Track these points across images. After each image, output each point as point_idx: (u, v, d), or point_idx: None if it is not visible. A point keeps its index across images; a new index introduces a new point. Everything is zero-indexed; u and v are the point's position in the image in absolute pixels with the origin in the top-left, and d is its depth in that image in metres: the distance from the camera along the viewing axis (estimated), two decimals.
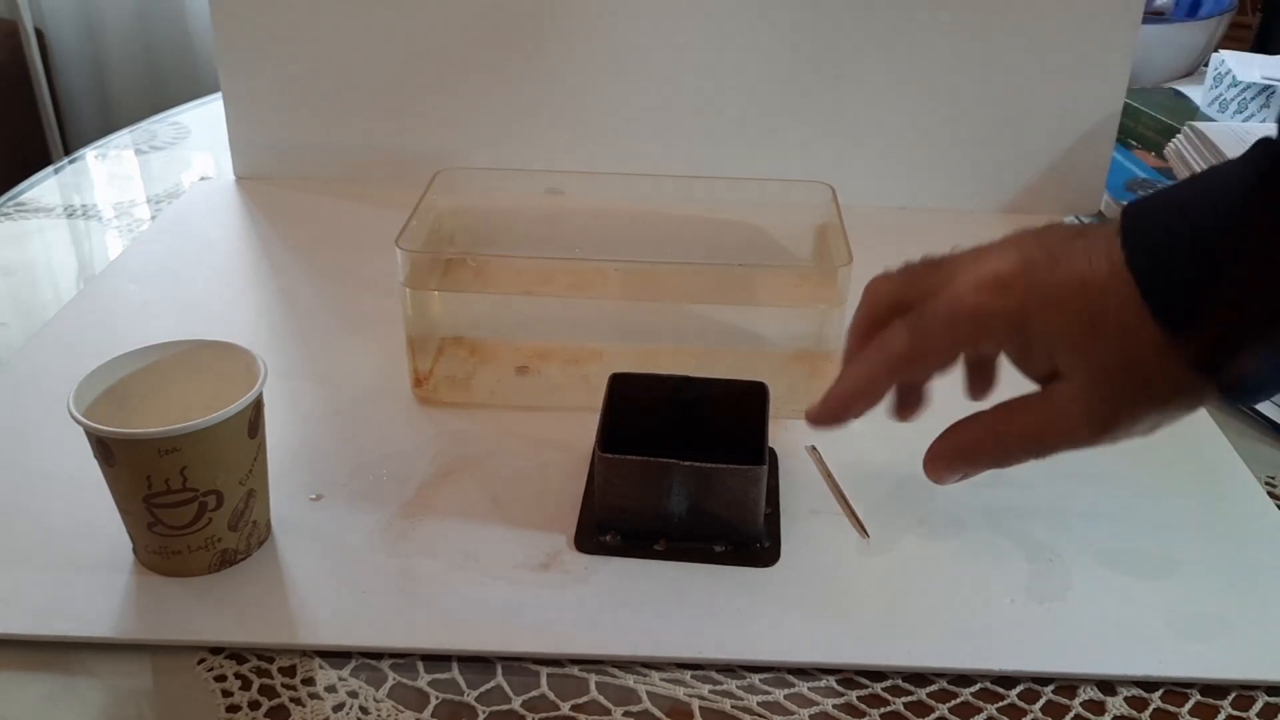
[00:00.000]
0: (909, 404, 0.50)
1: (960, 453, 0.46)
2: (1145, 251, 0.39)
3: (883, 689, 0.44)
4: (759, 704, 0.44)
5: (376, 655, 0.45)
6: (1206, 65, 1.14)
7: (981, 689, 0.45)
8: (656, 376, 0.55)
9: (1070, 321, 0.40)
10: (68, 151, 1.58)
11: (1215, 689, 0.45)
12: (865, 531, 0.52)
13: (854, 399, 0.47)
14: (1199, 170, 0.44)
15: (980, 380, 0.49)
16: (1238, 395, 0.40)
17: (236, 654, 0.45)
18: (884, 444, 0.58)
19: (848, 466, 0.57)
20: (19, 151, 1.93)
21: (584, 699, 0.44)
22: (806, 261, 0.70)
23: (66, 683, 0.44)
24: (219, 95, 0.93)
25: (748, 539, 0.51)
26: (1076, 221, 0.44)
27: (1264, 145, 0.39)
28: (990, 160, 0.87)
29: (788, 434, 0.58)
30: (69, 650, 0.45)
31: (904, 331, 0.45)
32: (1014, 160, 0.87)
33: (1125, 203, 0.42)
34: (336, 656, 0.45)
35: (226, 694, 0.43)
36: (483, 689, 0.44)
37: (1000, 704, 0.44)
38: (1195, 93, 1.12)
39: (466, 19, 0.85)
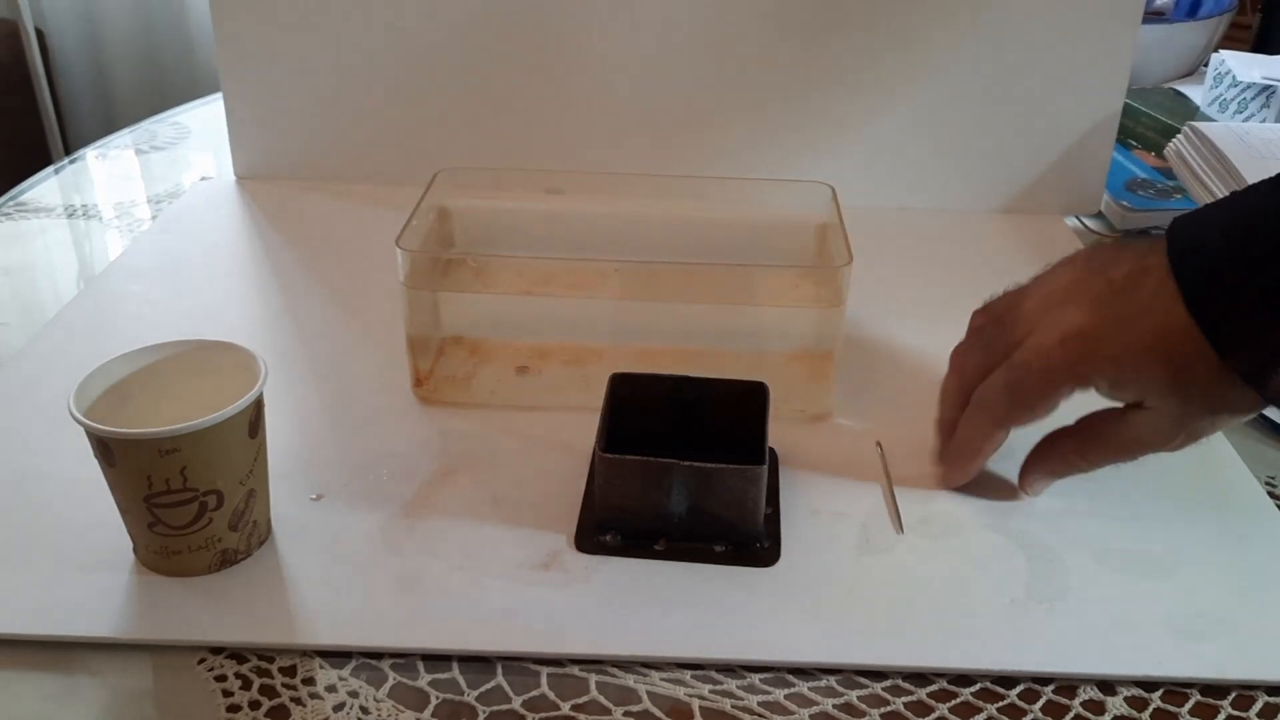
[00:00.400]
0: None
1: (1053, 470, 0.53)
2: (1196, 285, 0.44)
3: (883, 689, 0.44)
4: (759, 704, 0.44)
5: (377, 655, 0.45)
6: (1206, 65, 1.14)
7: (981, 689, 0.45)
8: (656, 376, 0.55)
9: (1158, 367, 0.46)
10: (68, 151, 1.58)
11: (1215, 689, 0.45)
12: (901, 527, 0.53)
13: (972, 458, 0.53)
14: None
15: None
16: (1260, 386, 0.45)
17: (237, 654, 0.45)
18: (883, 444, 0.58)
19: (848, 467, 0.57)
20: (19, 151, 1.93)
21: (584, 699, 0.44)
22: (807, 261, 0.70)
23: (67, 683, 0.44)
24: (219, 95, 0.93)
25: (748, 539, 0.51)
26: (1114, 238, 0.49)
27: None
28: (990, 160, 0.87)
29: (788, 434, 0.58)
30: (69, 650, 0.45)
31: (1003, 393, 0.49)
32: (1014, 160, 0.87)
33: (1170, 222, 0.46)
34: (337, 656, 0.45)
35: (227, 694, 0.43)
36: (483, 689, 0.44)
37: (1000, 704, 0.44)
38: (1195, 93, 1.12)
39: (467, 19, 0.85)
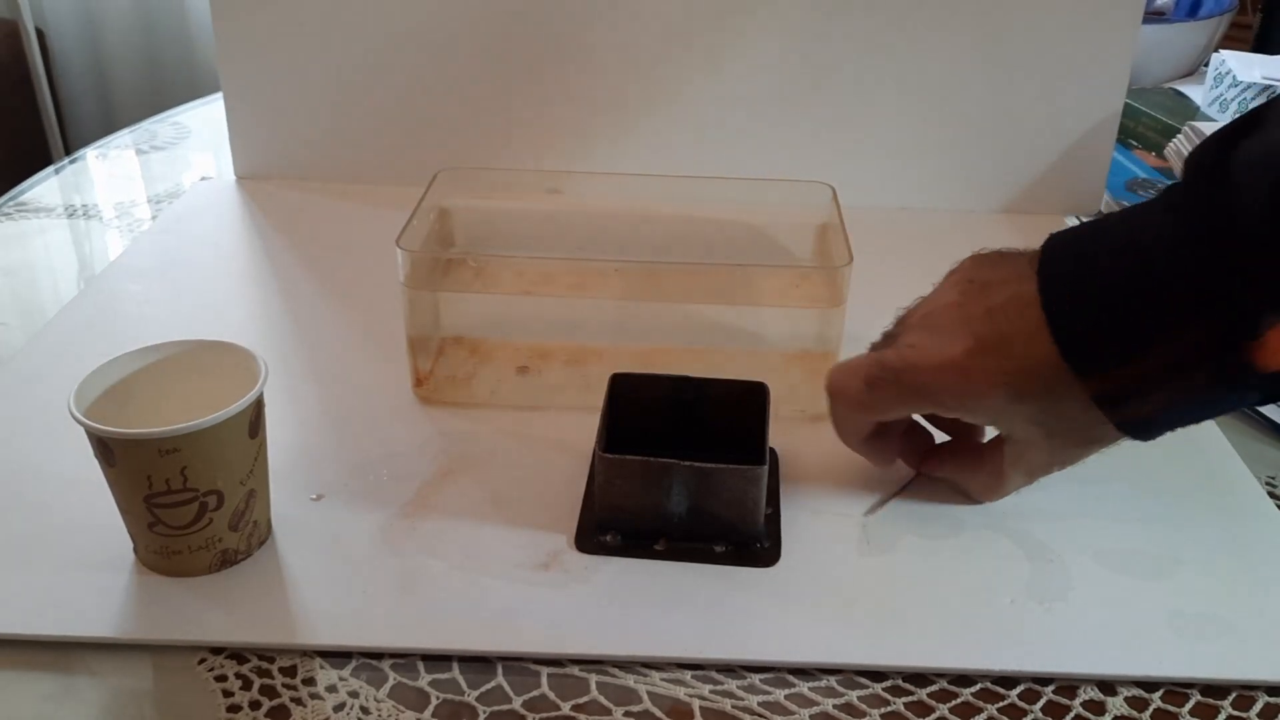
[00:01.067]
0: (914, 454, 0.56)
1: (990, 494, 0.54)
2: (1061, 315, 0.43)
3: (883, 689, 0.44)
4: (759, 704, 0.44)
5: (377, 655, 0.45)
6: (1207, 65, 1.14)
7: (982, 689, 0.45)
8: (656, 376, 0.55)
9: (1027, 404, 0.46)
10: (68, 151, 1.58)
11: (1216, 689, 0.45)
12: (874, 512, 0.54)
13: (852, 447, 0.54)
14: None
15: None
16: (1134, 432, 0.46)
17: (237, 654, 0.45)
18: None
19: (848, 467, 0.57)
20: (19, 151, 1.93)
21: (584, 699, 0.44)
22: (807, 261, 0.70)
23: (66, 683, 0.44)
24: (219, 95, 0.93)
25: (748, 539, 0.51)
26: (998, 251, 0.49)
27: (1169, 197, 0.43)
28: (990, 160, 0.87)
29: (788, 434, 0.58)
30: (69, 650, 0.45)
31: (863, 387, 0.50)
32: (1014, 160, 0.87)
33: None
34: (337, 656, 0.45)
35: (227, 694, 0.43)
36: (483, 689, 0.44)
37: (1000, 704, 0.44)
38: (1195, 93, 1.12)
39: (467, 19, 0.85)
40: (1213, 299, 0.41)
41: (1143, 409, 0.44)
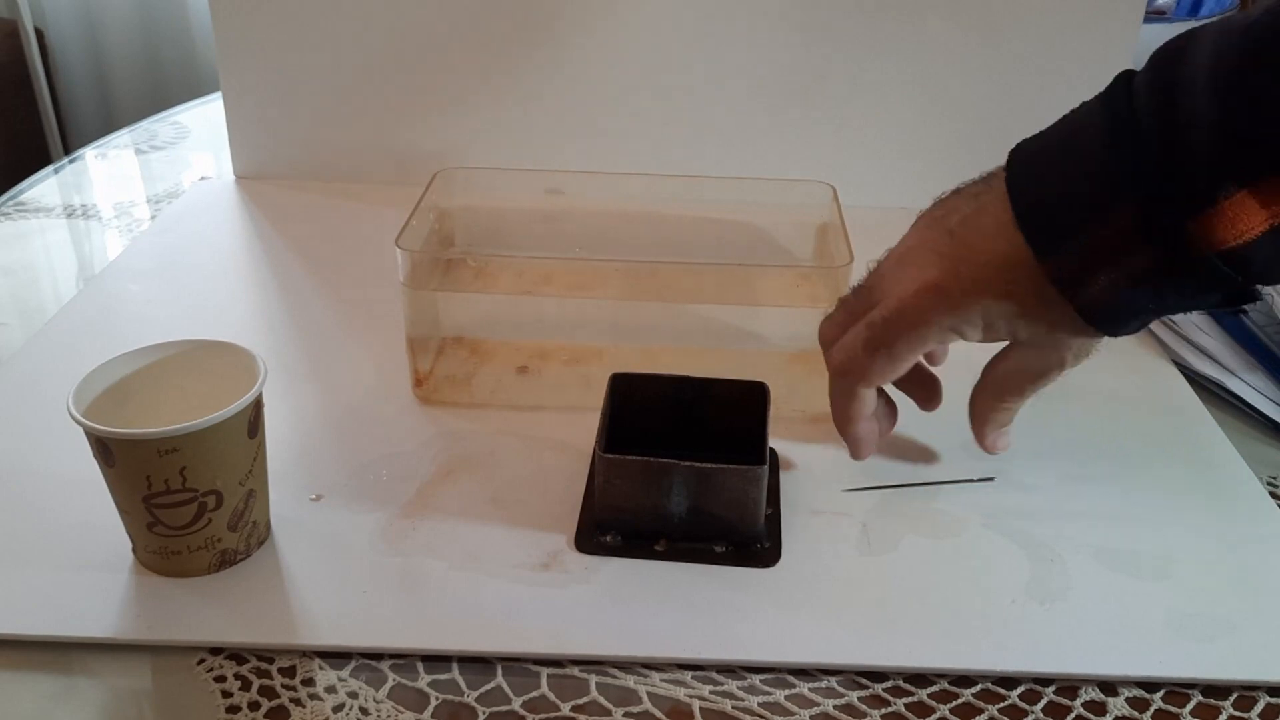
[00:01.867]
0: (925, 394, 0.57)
1: (996, 421, 0.55)
2: (1025, 202, 0.45)
3: (884, 690, 0.44)
4: (759, 705, 0.43)
5: (376, 656, 0.45)
6: None
7: (982, 690, 0.45)
8: (656, 376, 0.55)
9: (1006, 303, 0.46)
10: (68, 151, 1.58)
11: (1217, 690, 0.45)
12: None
13: (847, 424, 0.53)
14: None
15: (922, 390, 0.57)
16: (1098, 321, 0.45)
17: (236, 654, 0.45)
18: (883, 444, 0.58)
19: (848, 467, 0.57)
20: (19, 151, 1.93)
21: (584, 699, 0.44)
22: (807, 261, 0.70)
23: (66, 683, 0.44)
24: (219, 95, 0.93)
25: (748, 539, 0.50)
26: (952, 190, 0.50)
27: (1119, 84, 0.44)
28: (991, 160, 0.86)
29: (788, 434, 0.58)
30: (69, 650, 0.45)
31: (862, 350, 0.50)
32: None
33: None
34: (336, 657, 0.45)
35: (226, 694, 0.43)
36: (483, 689, 0.44)
37: (1001, 704, 0.44)
38: None
39: (466, 19, 0.85)
40: (1151, 170, 0.41)
41: (1096, 288, 0.44)
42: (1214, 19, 0.42)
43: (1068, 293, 0.44)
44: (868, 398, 0.52)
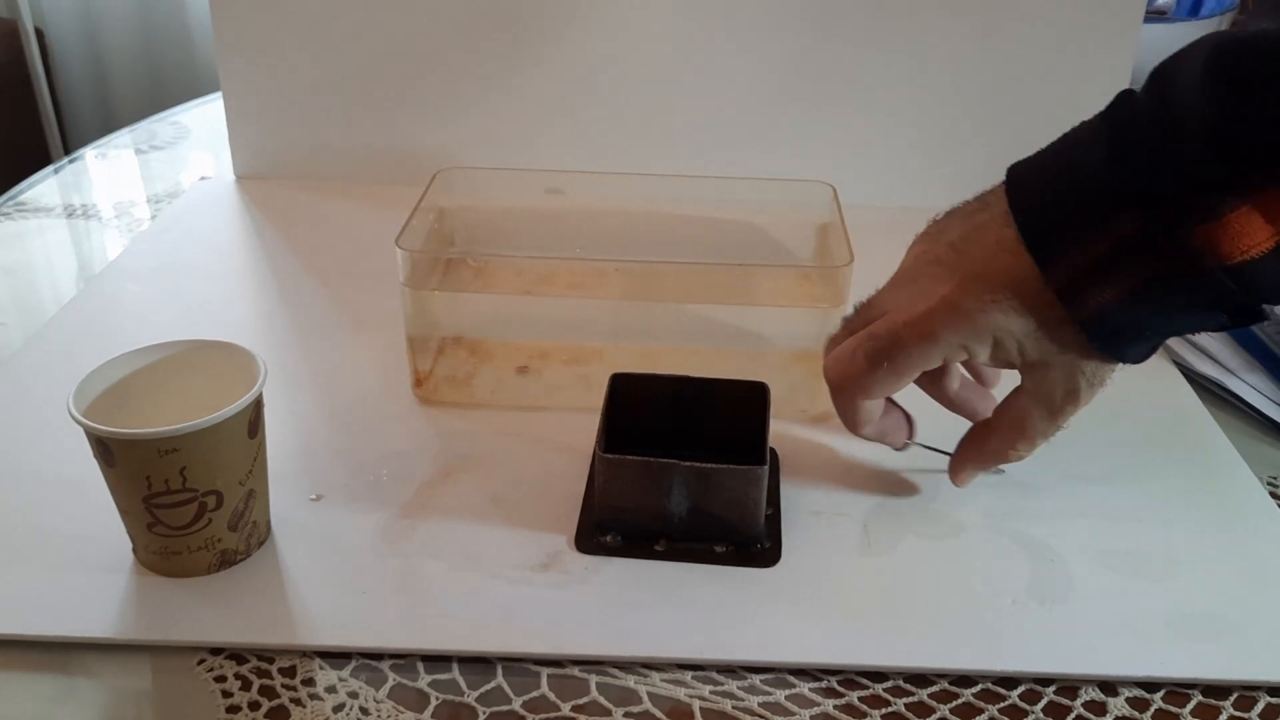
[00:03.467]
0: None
1: (982, 461, 0.53)
2: (1027, 217, 0.44)
3: (884, 690, 0.44)
4: (760, 705, 0.43)
5: (376, 655, 0.45)
6: None
7: (983, 690, 0.45)
8: (656, 376, 0.55)
9: (1014, 316, 0.45)
10: (68, 151, 1.58)
11: (1217, 690, 0.45)
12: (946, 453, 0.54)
13: (854, 430, 0.52)
14: None
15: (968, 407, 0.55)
16: (1102, 338, 0.45)
17: (236, 654, 0.45)
18: (883, 444, 0.58)
19: (848, 467, 0.57)
20: (19, 151, 1.93)
21: (584, 700, 0.44)
22: (807, 261, 0.70)
23: (66, 683, 0.44)
24: (219, 95, 0.93)
25: (748, 539, 0.50)
26: (945, 211, 0.50)
27: (1120, 100, 0.44)
28: (991, 160, 0.87)
29: (788, 434, 0.58)
30: (69, 650, 0.45)
31: (863, 361, 0.49)
32: (1015, 160, 0.86)
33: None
34: (336, 657, 0.45)
35: (226, 694, 0.43)
36: (483, 689, 0.44)
37: (1001, 705, 0.44)
38: None
39: (466, 19, 0.85)
40: (1153, 181, 0.41)
41: (1098, 300, 0.43)
42: (1211, 32, 0.42)
43: (1068, 304, 0.44)
44: (873, 408, 0.51)
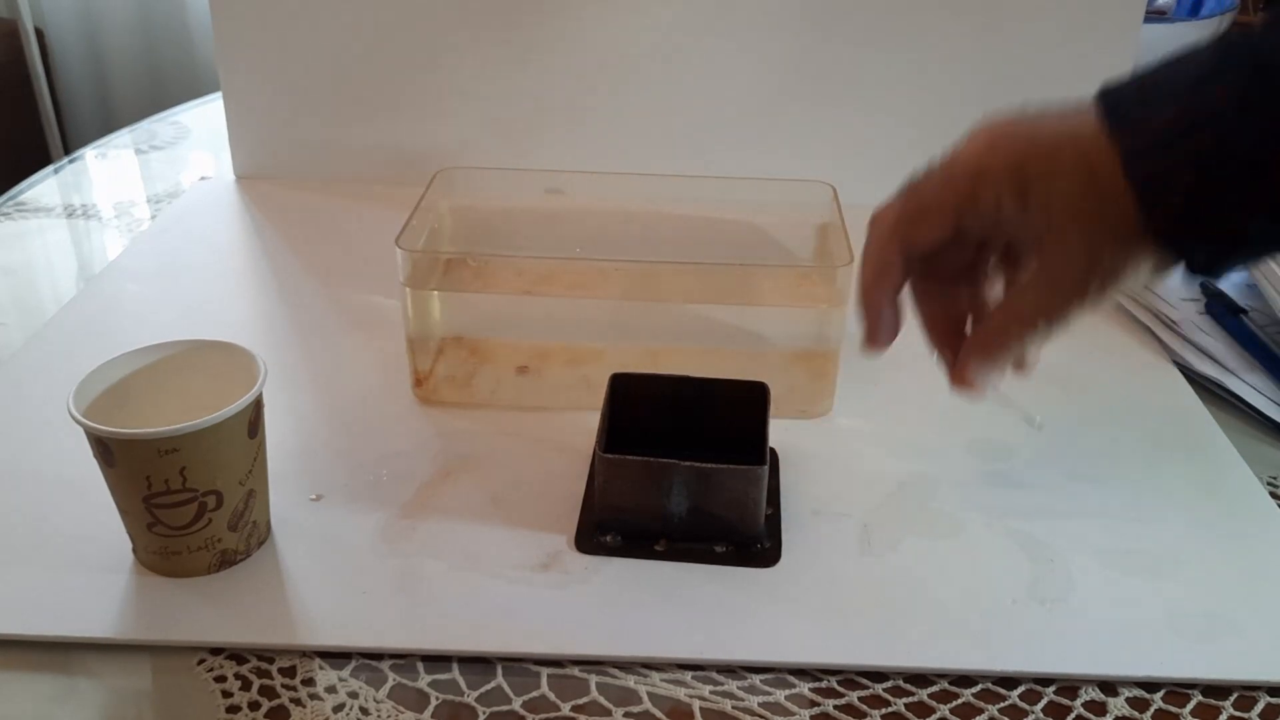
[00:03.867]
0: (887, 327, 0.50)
1: (982, 350, 0.48)
2: (1117, 111, 0.42)
3: (884, 690, 0.44)
4: (760, 705, 0.43)
5: (376, 656, 0.45)
6: None
7: (983, 690, 0.45)
8: (656, 376, 0.55)
9: (1066, 178, 0.43)
10: (68, 151, 1.58)
11: (1217, 690, 0.45)
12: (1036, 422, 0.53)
13: (870, 283, 0.49)
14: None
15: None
16: (1178, 241, 0.42)
17: (236, 654, 0.45)
18: (883, 444, 0.58)
19: (848, 467, 0.57)
20: (19, 151, 1.93)
21: (584, 700, 0.44)
22: (807, 261, 0.70)
23: (66, 683, 0.44)
24: (219, 95, 0.93)
25: (749, 539, 0.50)
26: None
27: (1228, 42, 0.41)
28: None
29: (788, 434, 0.58)
30: (69, 650, 0.45)
31: (897, 199, 0.48)
32: None
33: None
34: (336, 657, 0.45)
35: (226, 694, 0.43)
36: (483, 689, 0.44)
37: (1001, 705, 0.44)
38: None
39: (467, 19, 0.85)
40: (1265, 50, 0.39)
41: (1168, 163, 0.40)
42: None
43: (1133, 163, 0.41)
44: (897, 268, 0.48)
